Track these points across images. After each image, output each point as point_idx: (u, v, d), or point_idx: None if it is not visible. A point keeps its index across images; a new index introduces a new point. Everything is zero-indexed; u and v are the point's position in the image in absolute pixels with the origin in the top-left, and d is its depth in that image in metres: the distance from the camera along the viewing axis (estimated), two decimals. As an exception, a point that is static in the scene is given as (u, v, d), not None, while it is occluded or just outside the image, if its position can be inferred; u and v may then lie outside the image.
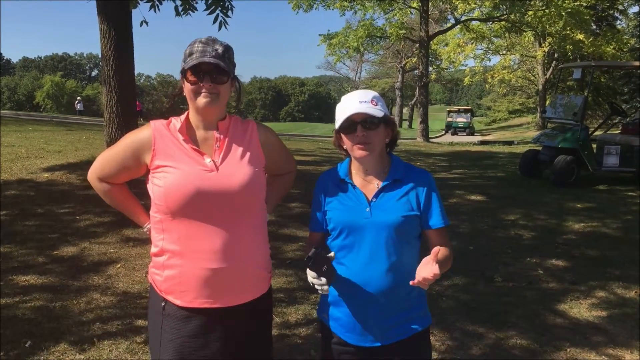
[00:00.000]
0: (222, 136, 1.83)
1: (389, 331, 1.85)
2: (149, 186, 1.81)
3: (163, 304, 1.80)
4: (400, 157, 1.94)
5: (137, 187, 2.08)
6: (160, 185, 1.74)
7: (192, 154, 1.77)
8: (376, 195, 1.83)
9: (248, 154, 1.83)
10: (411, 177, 1.86)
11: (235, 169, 1.78)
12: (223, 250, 1.75)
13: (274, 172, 2.00)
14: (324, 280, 1.74)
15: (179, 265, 1.76)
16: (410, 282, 1.66)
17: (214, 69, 1.74)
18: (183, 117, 1.84)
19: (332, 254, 1.79)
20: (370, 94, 1.83)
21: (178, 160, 1.75)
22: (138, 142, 1.82)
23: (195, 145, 1.80)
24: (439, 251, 1.66)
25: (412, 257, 1.86)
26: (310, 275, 1.75)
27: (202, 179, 1.73)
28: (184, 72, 1.78)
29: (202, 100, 1.75)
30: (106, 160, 1.91)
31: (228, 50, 1.79)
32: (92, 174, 1.95)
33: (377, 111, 1.78)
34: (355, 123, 1.78)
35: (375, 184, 1.85)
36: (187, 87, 1.78)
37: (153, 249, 1.85)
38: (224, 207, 1.75)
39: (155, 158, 1.77)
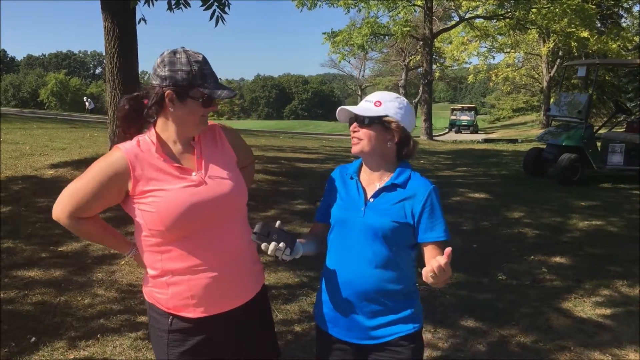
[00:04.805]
0: (198, 146, 1.81)
1: (377, 331, 1.84)
2: (135, 212, 1.73)
3: (169, 319, 1.78)
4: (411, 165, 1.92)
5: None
6: (152, 210, 1.68)
7: (176, 173, 1.72)
8: (374, 196, 1.84)
9: (225, 158, 1.84)
10: (413, 185, 1.83)
11: (220, 177, 1.78)
12: (223, 255, 1.76)
13: (240, 165, 2.00)
14: (282, 244, 1.70)
15: (185, 280, 1.73)
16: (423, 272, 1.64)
17: (230, 96, 1.75)
18: (152, 135, 1.75)
19: (277, 223, 1.75)
20: (382, 95, 1.87)
21: (164, 181, 1.70)
22: (113, 171, 1.70)
23: (176, 162, 1.74)
24: (450, 251, 1.60)
25: (401, 263, 1.83)
26: (269, 250, 1.70)
27: (194, 194, 1.70)
28: (187, 92, 1.69)
29: (204, 125, 1.78)
30: (78, 193, 1.75)
31: None
32: (63, 212, 1.78)
33: (373, 111, 1.81)
34: (352, 118, 1.85)
35: (377, 185, 1.86)
36: (198, 111, 1.72)
37: (152, 272, 1.79)
38: (218, 215, 1.75)
39: (138, 184, 1.69)
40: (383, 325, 1.84)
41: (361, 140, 1.82)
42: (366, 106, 1.84)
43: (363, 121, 1.81)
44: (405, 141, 1.86)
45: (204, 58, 1.72)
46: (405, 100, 1.89)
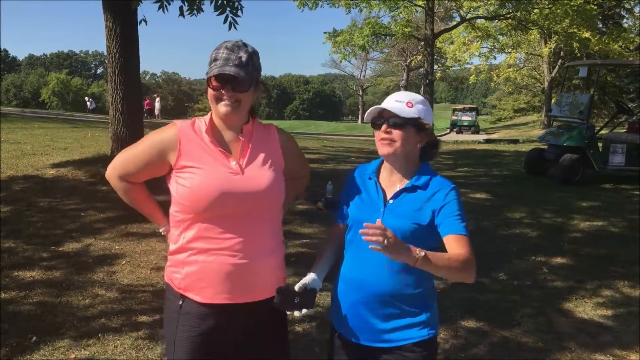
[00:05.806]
0: (246, 139, 1.85)
1: (390, 334, 1.80)
2: (172, 185, 1.81)
3: (180, 302, 1.81)
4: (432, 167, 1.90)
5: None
6: (187, 185, 1.74)
7: (219, 156, 1.78)
8: (394, 198, 1.82)
9: (270, 158, 1.86)
10: (433, 186, 1.81)
11: (259, 172, 1.81)
12: (244, 247, 1.77)
13: (290, 176, 2.00)
14: (304, 311, 1.76)
15: (200, 261, 1.77)
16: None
17: (235, 78, 1.73)
18: (207, 118, 1.85)
19: (296, 286, 1.77)
20: (410, 96, 1.83)
21: (204, 161, 1.77)
22: (163, 142, 1.81)
23: (222, 147, 1.81)
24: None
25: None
26: (295, 314, 1.77)
27: (228, 181, 1.75)
28: (207, 77, 1.78)
29: (222, 108, 1.77)
30: (129, 158, 1.89)
31: (252, 57, 1.77)
32: (113, 172, 1.93)
33: (407, 112, 1.77)
34: (382, 118, 1.80)
35: (397, 187, 1.83)
36: (210, 93, 1.79)
37: (172, 247, 1.85)
38: (247, 208, 1.77)
39: (180, 158, 1.78)
40: (397, 329, 1.80)
41: (395, 141, 1.78)
42: (400, 107, 1.79)
43: (397, 124, 1.78)
44: (433, 144, 1.86)
45: (229, 44, 1.75)
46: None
